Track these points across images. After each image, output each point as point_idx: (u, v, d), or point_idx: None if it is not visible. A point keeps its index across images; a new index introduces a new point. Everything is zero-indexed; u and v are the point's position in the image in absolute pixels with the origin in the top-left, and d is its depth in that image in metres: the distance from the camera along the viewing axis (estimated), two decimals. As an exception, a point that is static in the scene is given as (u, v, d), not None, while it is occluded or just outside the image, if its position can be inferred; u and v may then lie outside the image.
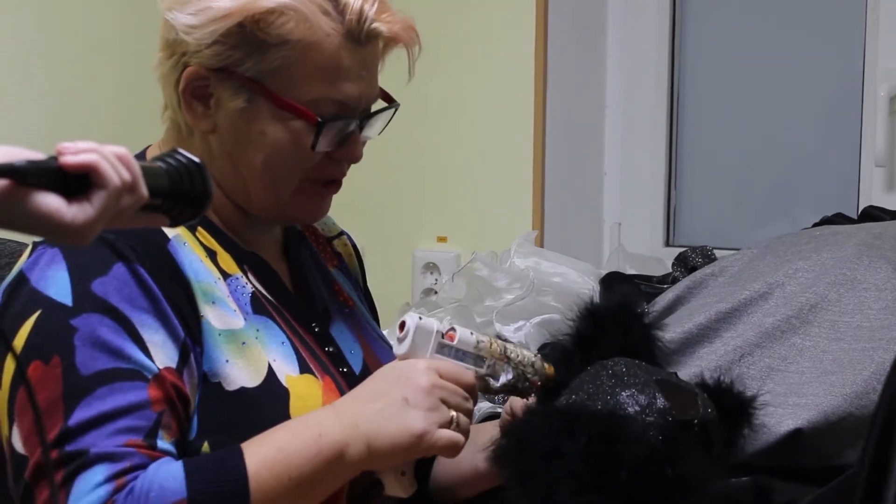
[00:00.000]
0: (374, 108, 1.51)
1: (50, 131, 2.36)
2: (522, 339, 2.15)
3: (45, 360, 1.31)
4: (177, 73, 1.44)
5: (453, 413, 1.39)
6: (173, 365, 1.35)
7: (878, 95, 2.43)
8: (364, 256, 1.76)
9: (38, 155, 0.98)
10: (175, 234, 1.42)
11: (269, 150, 1.44)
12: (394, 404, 1.37)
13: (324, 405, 1.43)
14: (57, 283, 1.35)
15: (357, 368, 1.55)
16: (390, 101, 1.52)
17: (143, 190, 1.04)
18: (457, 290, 2.40)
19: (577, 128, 2.71)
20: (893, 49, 2.45)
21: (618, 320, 1.59)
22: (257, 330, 1.43)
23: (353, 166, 1.53)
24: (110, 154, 1.01)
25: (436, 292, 2.57)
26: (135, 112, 2.45)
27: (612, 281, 2.31)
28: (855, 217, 2.23)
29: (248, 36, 1.40)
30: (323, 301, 1.58)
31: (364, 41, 1.44)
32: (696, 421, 1.43)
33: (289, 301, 1.52)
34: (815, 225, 2.21)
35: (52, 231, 0.98)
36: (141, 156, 1.51)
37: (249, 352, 1.41)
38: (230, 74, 1.42)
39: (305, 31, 1.41)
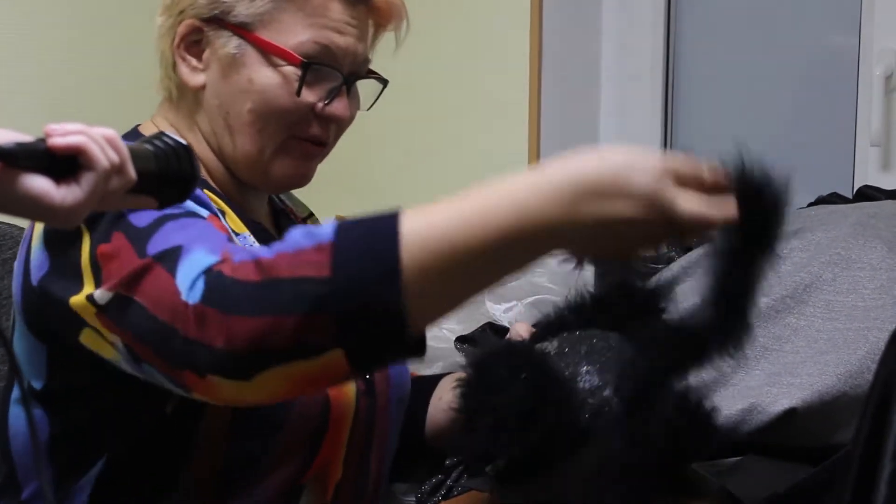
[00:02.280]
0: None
1: (40, 114, 2.35)
2: (514, 319, 2.15)
3: (106, 240, 1.28)
4: (172, 32, 1.48)
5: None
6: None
7: (873, 75, 2.42)
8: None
9: (26, 137, 0.98)
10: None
11: (256, 97, 1.46)
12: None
13: None
14: None
15: None
16: (378, 78, 1.55)
17: (132, 172, 1.04)
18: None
19: (571, 108, 2.71)
20: (889, 29, 2.44)
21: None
22: None
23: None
24: (98, 136, 1.01)
25: (430, 273, 2.57)
26: (126, 94, 2.44)
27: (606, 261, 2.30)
28: (850, 197, 2.23)
29: None
30: None
31: (353, 0, 1.48)
32: None
33: None
34: (811, 204, 2.21)
35: (40, 213, 0.98)
36: (133, 133, 1.52)
37: None
38: (221, 23, 1.46)
39: None
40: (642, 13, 2.70)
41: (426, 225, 1.14)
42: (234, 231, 1.44)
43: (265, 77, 1.46)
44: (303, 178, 1.54)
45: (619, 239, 1.17)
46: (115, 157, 1.01)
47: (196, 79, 1.48)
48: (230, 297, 1.13)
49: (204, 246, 1.20)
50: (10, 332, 1.43)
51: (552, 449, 1.41)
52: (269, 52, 1.45)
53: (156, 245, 1.23)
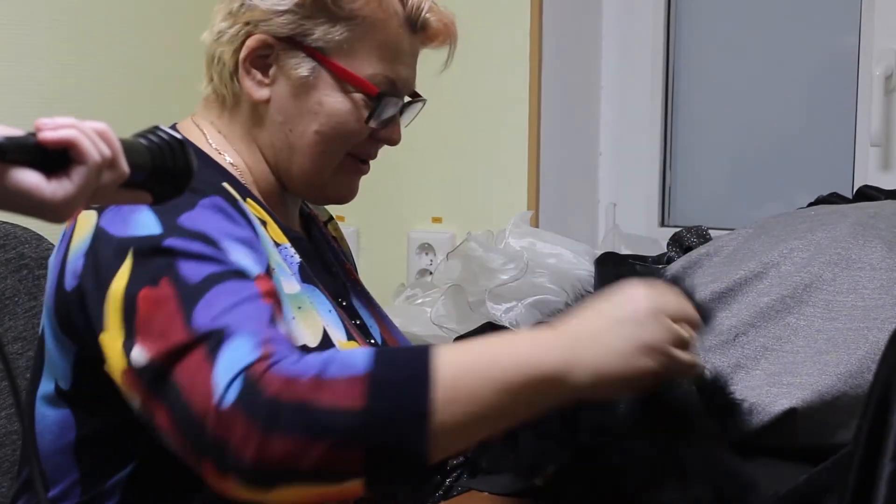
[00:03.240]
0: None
1: (39, 114, 2.34)
2: (514, 319, 2.14)
3: (153, 283, 1.28)
4: (238, 42, 1.48)
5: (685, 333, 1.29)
6: (264, 273, 1.34)
7: (873, 75, 2.41)
8: (359, 238, 1.76)
9: (17, 131, 0.97)
10: (238, 197, 1.43)
11: (324, 121, 1.49)
12: (620, 322, 1.27)
13: None
14: (141, 223, 1.32)
15: (379, 341, 1.58)
16: (420, 99, 1.60)
17: (124, 166, 1.03)
18: (451, 271, 2.40)
19: (572, 108, 2.71)
20: (889, 28, 2.43)
21: None
22: (308, 297, 1.46)
23: None
24: (90, 130, 1.00)
25: (431, 273, 2.57)
26: (125, 94, 2.44)
27: (607, 261, 2.30)
28: (850, 197, 2.23)
29: (320, 7, 1.47)
30: (342, 277, 1.62)
31: (417, 30, 1.53)
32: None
33: (320, 276, 1.54)
34: (811, 204, 2.21)
35: (31, 208, 0.97)
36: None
37: (306, 314, 1.43)
38: (296, 45, 1.48)
39: (374, 9, 1.49)
40: (643, 12, 2.69)
41: (457, 368, 1.20)
42: (275, 242, 1.45)
43: (336, 102, 1.49)
44: (351, 195, 1.58)
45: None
46: (106, 151, 1.01)
47: (261, 93, 1.50)
48: (264, 412, 1.16)
49: (248, 331, 1.22)
50: (41, 329, 1.42)
51: (595, 448, 1.41)
52: (344, 80, 1.48)
53: (203, 315, 1.23)
